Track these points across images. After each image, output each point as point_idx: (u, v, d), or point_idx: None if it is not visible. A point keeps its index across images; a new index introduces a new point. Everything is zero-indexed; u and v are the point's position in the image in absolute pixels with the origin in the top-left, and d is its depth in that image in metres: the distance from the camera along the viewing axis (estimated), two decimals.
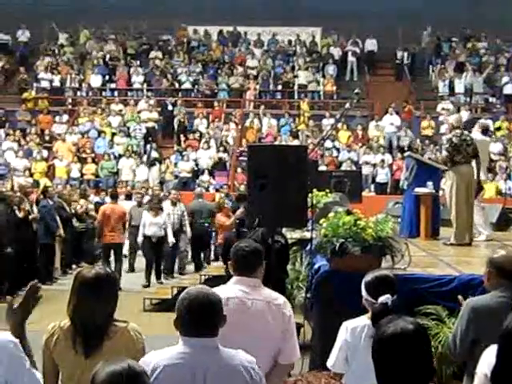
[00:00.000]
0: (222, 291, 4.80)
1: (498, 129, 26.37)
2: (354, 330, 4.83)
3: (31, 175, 24.14)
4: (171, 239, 16.12)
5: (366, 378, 3.53)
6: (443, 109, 26.87)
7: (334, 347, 4.96)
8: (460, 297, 5.19)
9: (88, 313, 4.03)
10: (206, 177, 24.87)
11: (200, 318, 3.65)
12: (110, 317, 4.10)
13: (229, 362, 3.65)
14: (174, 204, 16.69)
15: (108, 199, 18.04)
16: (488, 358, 3.50)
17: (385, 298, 4.66)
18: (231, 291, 4.83)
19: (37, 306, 3.91)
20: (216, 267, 15.17)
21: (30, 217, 14.78)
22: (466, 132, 10.98)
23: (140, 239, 16.05)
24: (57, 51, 31.54)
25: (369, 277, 4.89)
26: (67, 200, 17.51)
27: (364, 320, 4.81)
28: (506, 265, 4.88)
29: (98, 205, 19.50)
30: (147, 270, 15.90)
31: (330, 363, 4.96)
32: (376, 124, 26.80)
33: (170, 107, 27.54)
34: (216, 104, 28.32)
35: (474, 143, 10.71)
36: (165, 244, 16.11)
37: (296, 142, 24.66)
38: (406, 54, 30.91)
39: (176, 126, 27.18)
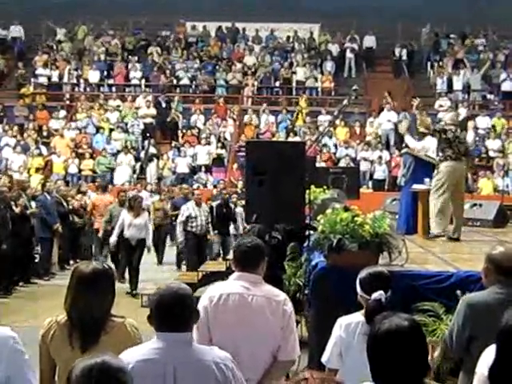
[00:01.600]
0: (222, 287, 4.82)
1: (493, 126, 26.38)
2: (348, 327, 4.84)
3: (28, 171, 24.11)
4: (149, 243, 15.18)
5: (359, 375, 3.54)
6: (440, 106, 26.87)
7: (328, 343, 4.97)
8: (459, 292, 5.19)
9: (85, 308, 4.03)
10: (203, 173, 24.88)
11: (169, 313, 3.65)
12: (107, 312, 4.10)
13: (200, 358, 3.64)
14: (198, 205, 15.26)
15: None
16: (487, 357, 3.50)
17: (378, 295, 4.67)
18: (232, 287, 4.83)
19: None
20: (214, 263, 15.20)
21: (28, 211, 14.79)
22: (459, 130, 11.02)
23: (113, 240, 14.52)
24: (55, 47, 31.51)
25: (363, 273, 4.91)
26: (65, 196, 17.52)
27: (358, 317, 4.82)
28: (504, 261, 4.87)
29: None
30: (119, 273, 14.03)
31: (324, 359, 4.98)
32: (372, 121, 26.81)
33: (163, 104, 27.46)
34: (217, 100, 28.28)
35: (467, 143, 10.76)
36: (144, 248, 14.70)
37: (294, 139, 24.66)
38: (404, 51, 30.89)
39: (170, 123, 27.15)
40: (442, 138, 10.62)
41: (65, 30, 32.50)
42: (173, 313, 3.66)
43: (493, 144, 25.34)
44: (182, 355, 3.63)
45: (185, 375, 3.59)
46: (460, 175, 10.71)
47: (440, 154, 10.66)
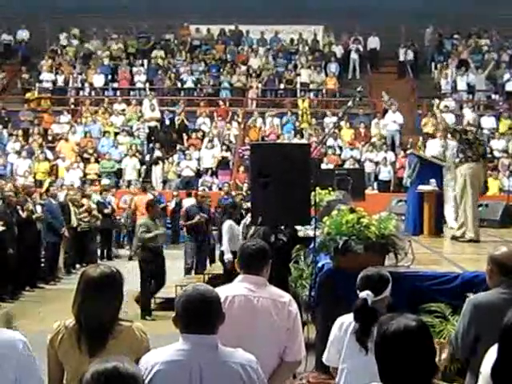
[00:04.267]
0: (227, 289, 4.83)
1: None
2: (342, 325, 4.89)
3: (34, 175, 24.15)
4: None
5: (350, 373, 3.55)
6: (445, 106, 26.82)
7: (327, 342, 5.00)
8: (470, 294, 5.21)
9: (93, 311, 4.03)
10: (208, 176, 24.89)
11: (197, 316, 3.67)
12: (115, 316, 4.10)
13: (226, 360, 3.65)
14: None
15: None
16: (491, 357, 3.50)
17: (364, 294, 4.70)
18: (237, 289, 4.84)
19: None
20: (219, 266, 15.18)
21: (34, 216, 14.82)
22: (479, 131, 11.00)
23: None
24: (59, 51, 31.55)
25: (361, 274, 4.94)
26: (72, 200, 17.59)
27: (352, 316, 4.84)
28: (507, 261, 4.87)
29: (100, 204, 19.62)
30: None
31: (324, 358, 5.04)
32: (377, 122, 26.79)
33: (167, 121, 27.43)
34: (221, 103, 28.28)
35: (486, 145, 10.72)
36: None
37: (299, 141, 24.64)
38: (408, 52, 30.88)
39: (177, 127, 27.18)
40: (463, 139, 10.56)
41: (69, 34, 32.51)
42: (200, 315, 3.67)
43: (497, 144, 25.31)
44: (208, 357, 3.64)
45: (211, 377, 3.60)
46: (479, 177, 10.66)
47: (460, 156, 10.58)
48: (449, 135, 12.36)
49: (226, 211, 15.12)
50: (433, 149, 12.51)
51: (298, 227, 10.07)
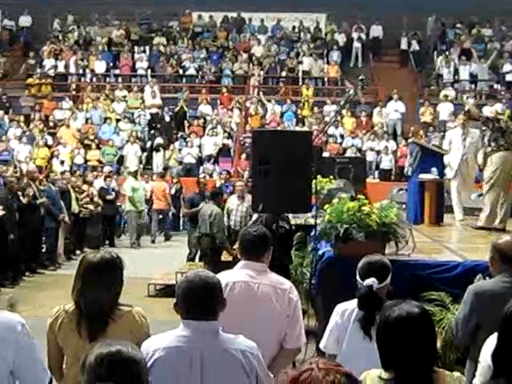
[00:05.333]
0: (228, 275, 4.82)
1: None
2: (344, 313, 4.85)
3: (34, 161, 24.12)
4: None
5: (353, 360, 3.54)
6: (445, 95, 26.82)
7: (326, 329, 4.98)
8: (480, 275, 5.20)
9: (93, 296, 4.03)
10: (210, 164, 24.87)
11: (198, 301, 3.67)
12: (115, 301, 4.11)
13: (227, 346, 3.65)
14: (241, 198, 13.90)
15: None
16: (491, 345, 3.50)
17: (370, 281, 4.68)
18: (238, 275, 4.85)
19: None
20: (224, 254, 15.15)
21: (38, 201, 14.80)
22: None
23: None
24: (60, 37, 31.48)
25: (361, 261, 4.92)
26: (73, 186, 17.58)
27: (354, 303, 4.81)
28: (509, 250, 4.87)
29: (103, 190, 19.63)
30: None
31: (321, 345, 5.00)
32: (379, 111, 26.74)
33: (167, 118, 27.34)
34: (224, 90, 28.21)
35: None
36: None
37: (301, 129, 24.60)
38: (411, 41, 30.82)
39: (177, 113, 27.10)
40: (495, 128, 10.49)
41: (71, 19, 32.44)
42: (201, 301, 3.67)
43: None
44: (209, 343, 3.64)
45: (212, 363, 3.60)
46: (511, 165, 10.63)
47: (492, 144, 10.50)
48: (473, 123, 12.24)
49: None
50: (453, 136, 12.39)
51: (300, 215, 10.07)
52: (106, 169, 21.91)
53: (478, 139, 11.80)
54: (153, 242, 20.81)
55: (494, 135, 10.47)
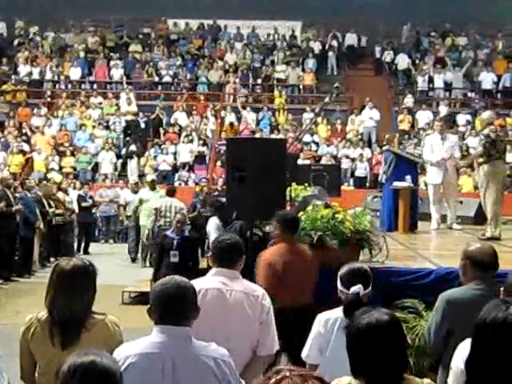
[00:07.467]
0: (201, 282, 4.82)
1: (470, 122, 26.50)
2: (327, 322, 4.86)
3: (8, 168, 23.96)
4: None
5: (339, 370, 3.56)
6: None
7: (308, 339, 4.99)
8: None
9: (65, 304, 4.02)
10: (185, 171, 24.82)
11: (171, 305, 3.67)
12: (88, 309, 4.09)
13: (199, 353, 3.66)
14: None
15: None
16: (462, 352, 3.52)
17: (356, 288, 4.70)
18: (210, 282, 4.86)
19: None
20: None
21: (13, 209, 14.70)
22: (498, 128, 11.00)
23: None
24: (35, 44, 31.33)
25: (343, 269, 4.93)
26: (46, 193, 17.47)
27: (337, 312, 4.83)
28: (480, 257, 4.91)
29: (80, 198, 19.59)
30: None
31: (303, 354, 5.00)
32: (354, 118, 26.85)
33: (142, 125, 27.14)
34: (201, 98, 28.17)
35: (506, 140, 10.71)
36: None
37: (276, 136, 24.65)
38: (385, 49, 30.98)
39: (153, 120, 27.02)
40: (488, 143, 10.46)
41: (46, 26, 32.31)
42: (174, 306, 3.67)
43: (473, 141, 25.41)
44: (181, 350, 3.64)
45: (183, 370, 3.60)
46: (503, 175, 10.67)
47: (484, 159, 10.52)
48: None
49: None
50: (432, 142, 12.43)
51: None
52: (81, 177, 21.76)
53: (456, 144, 11.95)
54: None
55: (487, 150, 10.42)
